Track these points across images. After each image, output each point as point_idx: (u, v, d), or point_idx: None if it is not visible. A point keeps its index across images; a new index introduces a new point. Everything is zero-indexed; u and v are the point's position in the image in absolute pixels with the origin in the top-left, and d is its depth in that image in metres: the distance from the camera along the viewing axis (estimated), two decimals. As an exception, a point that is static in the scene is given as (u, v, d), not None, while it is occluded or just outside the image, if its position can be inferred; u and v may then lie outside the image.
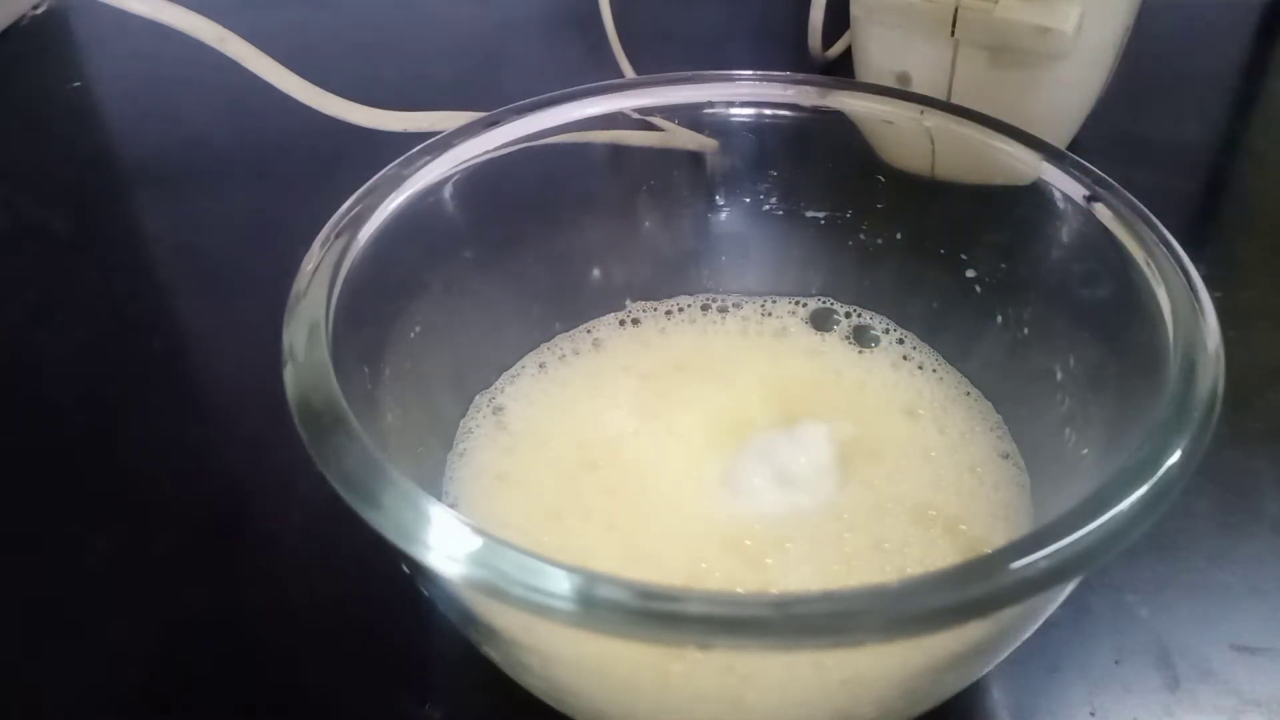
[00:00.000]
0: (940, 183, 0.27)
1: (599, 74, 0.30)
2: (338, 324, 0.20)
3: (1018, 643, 0.20)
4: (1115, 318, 0.22)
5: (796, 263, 0.29)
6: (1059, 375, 0.24)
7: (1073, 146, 0.38)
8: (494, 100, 0.26)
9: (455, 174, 0.25)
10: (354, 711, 0.24)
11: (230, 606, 0.26)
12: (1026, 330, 0.25)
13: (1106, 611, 0.25)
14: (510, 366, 0.27)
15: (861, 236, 0.28)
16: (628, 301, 0.29)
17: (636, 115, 0.27)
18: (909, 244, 0.28)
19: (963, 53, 0.35)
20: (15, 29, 0.51)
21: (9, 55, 0.50)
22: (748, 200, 0.29)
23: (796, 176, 0.28)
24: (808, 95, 0.27)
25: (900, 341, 0.28)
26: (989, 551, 0.16)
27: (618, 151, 0.27)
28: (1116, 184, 0.23)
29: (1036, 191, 0.24)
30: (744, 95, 0.27)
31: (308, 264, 0.21)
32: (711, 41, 0.50)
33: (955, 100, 0.36)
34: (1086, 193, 0.23)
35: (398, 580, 0.20)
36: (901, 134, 0.26)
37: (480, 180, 0.25)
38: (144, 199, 0.42)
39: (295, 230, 0.23)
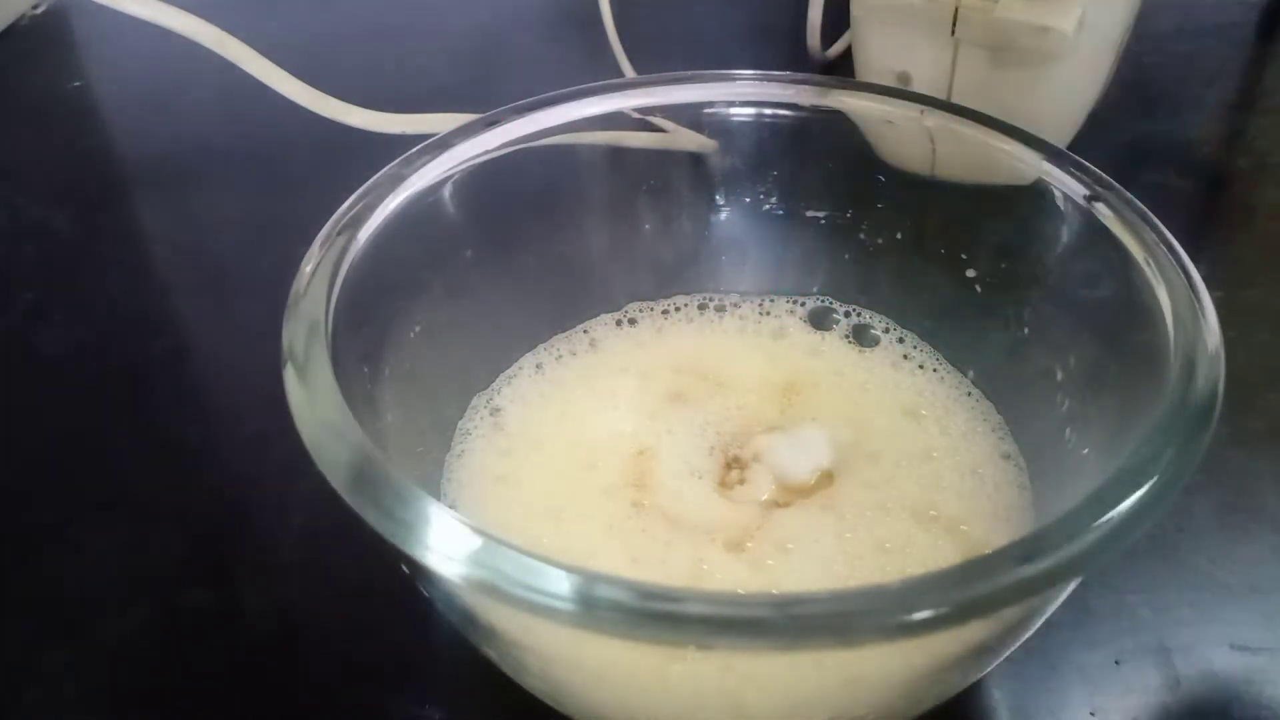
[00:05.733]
0: (940, 183, 0.27)
1: (599, 74, 0.30)
2: (337, 324, 0.20)
3: (1018, 643, 0.20)
4: (1115, 318, 0.22)
5: (796, 263, 0.29)
6: (1059, 375, 0.24)
7: (1073, 146, 0.38)
8: (494, 100, 0.26)
9: (455, 174, 0.25)
10: (354, 711, 0.24)
11: (230, 606, 0.26)
12: (1027, 330, 0.25)
13: (1107, 612, 0.25)
14: (507, 367, 0.27)
15: (861, 236, 0.28)
16: (625, 301, 0.29)
17: (636, 115, 0.27)
18: (909, 244, 0.28)
19: (963, 52, 0.35)
20: (15, 29, 0.51)
21: (9, 55, 0.50)
22: (748, 200, 0.29)
23: (796, 176, 0.28)
24: (808, 95, 0.27)
25: (900, 341, 0.28)
26: (990, 552, 0.16)
27: (617, 151, 0.27)
28: (1116, 184, 0.23)
29: (1036, 191, 0.24)
30: (744, 95, 0.27)
31: (307, 264, 0.21)
32: (711, 41, 0.50)
33: (955, 100, 0.36)
34: (1086, 193, 0.23)
35: (398, 580, 0.20)
36: (901, 134, 0.26)
37: (480, 180, 0.25)
38: (144, 199, 0.42)
39: (295, 230, 0.23)
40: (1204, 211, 0.40)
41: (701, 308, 0.29)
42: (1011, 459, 0.25)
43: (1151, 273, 0.21)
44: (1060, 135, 0.37)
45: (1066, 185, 0.24)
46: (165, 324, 0.35)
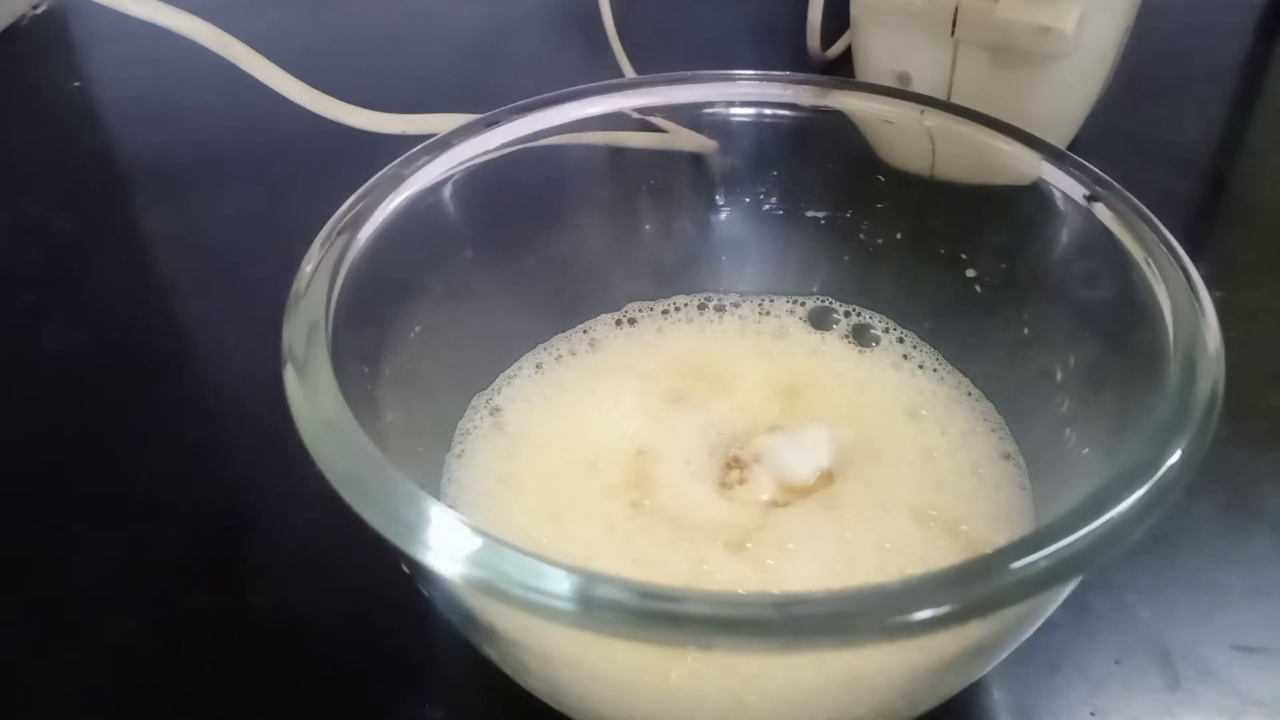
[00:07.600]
0: (940, 183, 0.27)
1: (599, 74, 0.30)
2: (337, 324, 0.20)
3: (1018, 643, 0.20)
4: (1115, 318, 0.22)
5: (796, 263, 0.29)
6: (1059, 375, 0.24)
7: (1073, 146, 0.38)
8: (494, 100, 0.26)
9: (455, 174, 0.25)
10: (354, 711, 0.24)
11: (231, 606, 0.26)
12: (1027, 330, 0.25)
13: (1107, 612, 0.25)
14: (507, 367, 0.27)
15: (861, 236, 0.28)
16: (625, 301, 0.29)
17: (637, 115, 0.27)
18: (909, 244, 0.28)
19: (963, 53, 0.35)
20: (15, 29, 0.51)
21: (9, 55, 0.50)
22: (747, 200, 0.29)
23: (796, 176, 0.28)
24: (808, 95, 0.27)
25: (900, 340, 0.28)
26: (990, 552, 0.16)
27: (617, 152, 0.27)
28: (1116, 184, 0.23)
29: (1036, 191, 0.24)
30: (744, 95, 0.27)
31: (307, 264, 0.21)
32: (711, 41, 0.50)
33: (955, 100, 0.36)
34: (1086, 193, 0.23)
35: (398, 580, 0.20)
36: (901, 134, 0.26)
37: (480, 180, 0.25)
38: (144, 199, 0.42)
39: (295, 230, 0.23)
40: (1204, 211, 0.40)
41: (701, 308, 0.29)
42: (1011, 459, 0.25)
43: (1151, 273, 0.21)
44: (1060, 135, 0.37)
45: (1066, 185, 0.24)
46: (165, 324, 0.35)
